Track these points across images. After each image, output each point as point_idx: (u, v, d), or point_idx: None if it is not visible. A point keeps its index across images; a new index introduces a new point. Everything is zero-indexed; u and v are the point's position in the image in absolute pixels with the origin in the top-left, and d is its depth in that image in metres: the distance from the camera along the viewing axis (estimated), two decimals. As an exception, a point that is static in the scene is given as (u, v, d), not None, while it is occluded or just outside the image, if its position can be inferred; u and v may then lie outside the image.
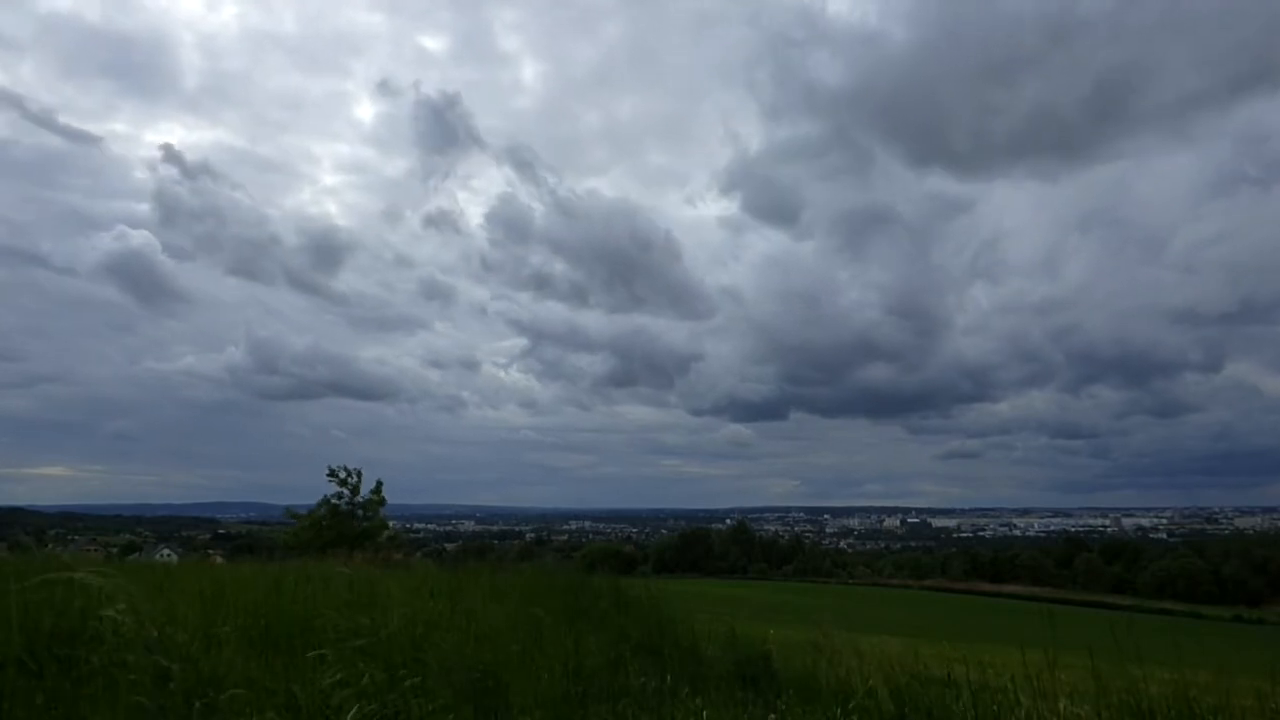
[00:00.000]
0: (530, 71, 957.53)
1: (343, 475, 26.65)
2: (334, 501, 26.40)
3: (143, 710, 3.83)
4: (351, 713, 3.82)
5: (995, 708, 4.67)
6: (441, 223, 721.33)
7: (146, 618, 5.18)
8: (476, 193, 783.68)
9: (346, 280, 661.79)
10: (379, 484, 27.29)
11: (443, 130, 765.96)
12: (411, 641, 5.15)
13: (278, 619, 5.57)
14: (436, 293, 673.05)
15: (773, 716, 4.79)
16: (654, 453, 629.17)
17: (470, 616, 6.29)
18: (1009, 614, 51.22)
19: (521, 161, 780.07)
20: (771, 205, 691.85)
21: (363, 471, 26.95)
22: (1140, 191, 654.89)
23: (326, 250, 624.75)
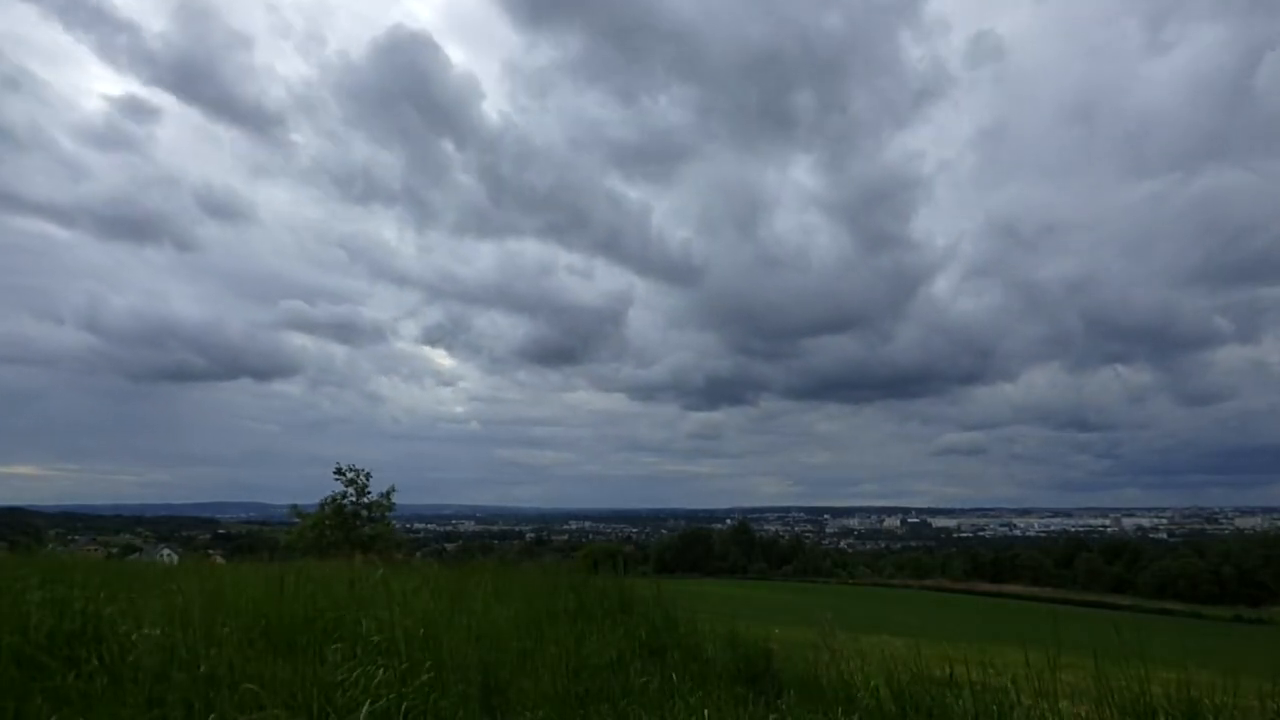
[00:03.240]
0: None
1: (350, 475, 26.43)
2: (340, 501, 26.22)
3: (145, 709, 3.84)
4: (364, 710, 3.82)
5: (996, 708, 4.67)
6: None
7: (147, 617, 5.19)
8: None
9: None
10: (391, 488, 27.13)
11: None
12: (420, 639, 5.15)
13: (279, 618, 5.57)
14: (220, 209, 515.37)
15: (773, 716, 4.79)
16: (630, 449, 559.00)
17: (472, 615, 6.29)
18: (1010, 614, 51.19)
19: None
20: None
21: (371, 474, 26.78)
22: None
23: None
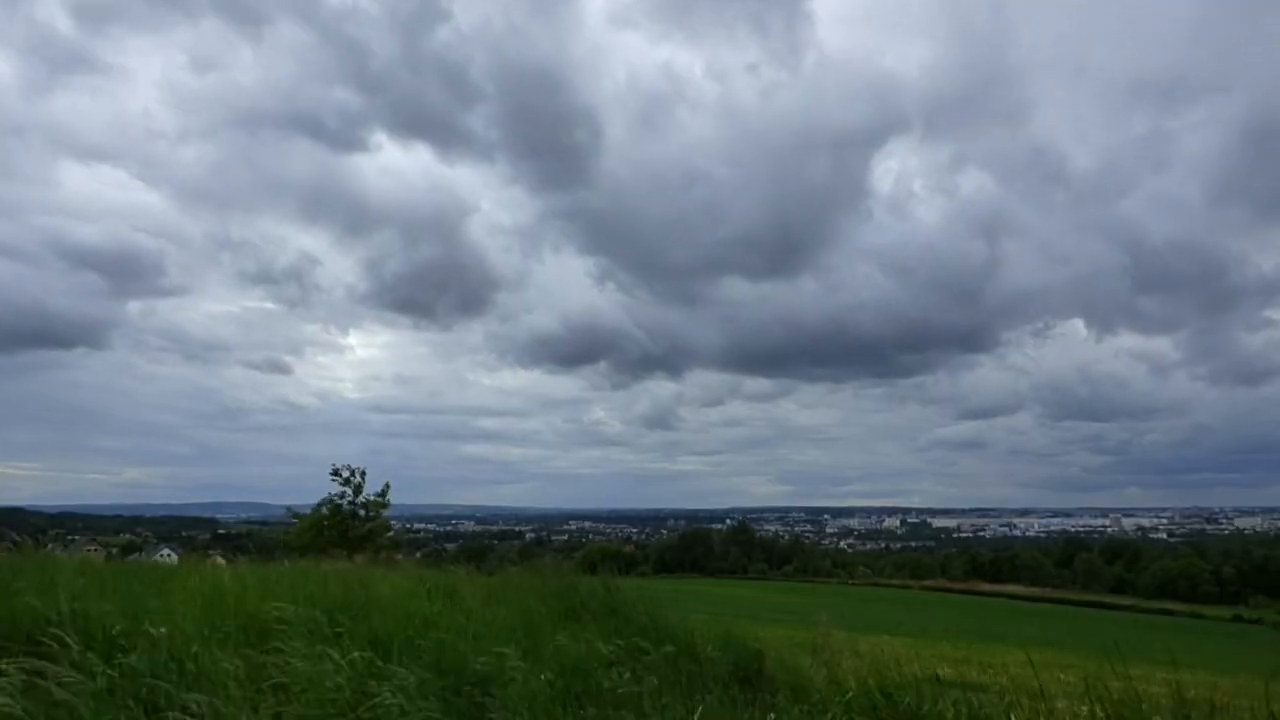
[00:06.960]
0: None
1: (346, 475, 26.64)
2: (337, 501, 26.39)
3: (143, 710, 3.84)
4: (359, 711, 3.83)
5: (990, 709, 4.67)
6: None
7: (144, 616, 5.19)
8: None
9: None
10: (386, 486, 27.36)
11: None
12: (415, 641, 5.16)
13: (277, 619, 5.58)
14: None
15: (772, 716, 4.79)
16: (598, 445, 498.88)
17: (466, 616, 6.30)
18: (1009, 614, 51.21)
19: None
20: None
21: (366, 472, 26.99)
22: None
23: None
